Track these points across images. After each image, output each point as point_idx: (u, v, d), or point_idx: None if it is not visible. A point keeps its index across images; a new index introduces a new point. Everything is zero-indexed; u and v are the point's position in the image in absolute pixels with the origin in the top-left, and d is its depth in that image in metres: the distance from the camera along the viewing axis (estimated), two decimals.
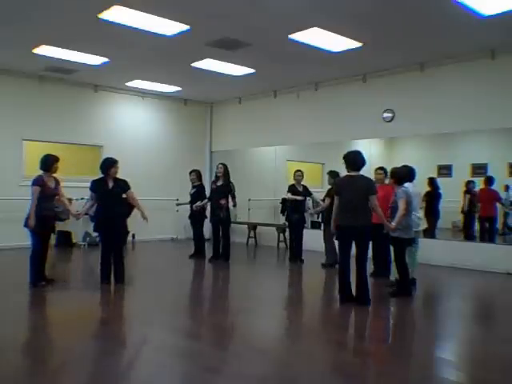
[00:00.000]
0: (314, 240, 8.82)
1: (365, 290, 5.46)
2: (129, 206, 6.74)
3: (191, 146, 12.48)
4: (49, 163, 6.18)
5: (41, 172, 6.18)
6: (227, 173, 8.41)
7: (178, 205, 10.30)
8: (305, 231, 8.68)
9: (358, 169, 5.52)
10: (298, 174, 8.56)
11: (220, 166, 8.47)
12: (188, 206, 8.91)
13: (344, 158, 5.63)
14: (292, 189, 8.51)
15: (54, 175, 6.27)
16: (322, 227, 8.43)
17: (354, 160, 5.54)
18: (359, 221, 5.36)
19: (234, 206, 8.41)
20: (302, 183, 8.55)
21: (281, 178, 11.44)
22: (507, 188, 9.65)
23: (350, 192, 5.43)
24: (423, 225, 7.15)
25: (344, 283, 5.53)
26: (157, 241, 11.46)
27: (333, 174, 7.74)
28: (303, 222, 8.60)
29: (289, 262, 8.66)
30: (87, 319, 4.99)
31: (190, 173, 8.98)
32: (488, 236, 9.07)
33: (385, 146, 10.96)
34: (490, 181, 9.06)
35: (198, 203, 8.59)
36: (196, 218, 8.83)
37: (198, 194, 8.73)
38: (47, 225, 6.19)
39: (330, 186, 7.87)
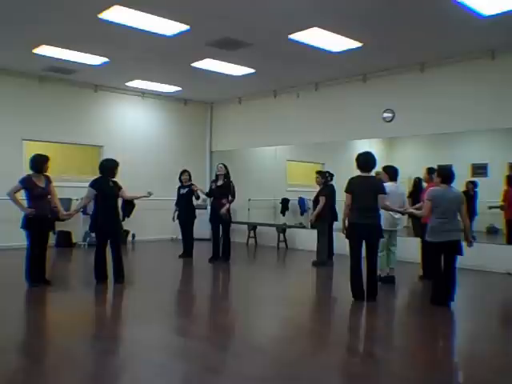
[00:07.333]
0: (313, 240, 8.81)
1: (375, 287, 5.63)
2: (130, 206, 6.77)
3: (191, 145, 12.47)
4: (39, 164, 6.00)
5: (30, 172, 6.02)
6: (227, 172, 8.44)
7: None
8: (305, 231, 8.65)
9: (369, 170, 5.70)
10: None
11: (220, 166, 8.51)
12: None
13: (356, 159, 5.77)
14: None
15: (46, 174, 6.11)
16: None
17: (365, 161, 5.70)
18: (370, 219, 5.55)
19: (229, 202, 8.36)
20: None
21: (281, 177, 11.44)
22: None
23: (362, 192, 5.59)
24: (401, 224, 7.19)
25: (354, 280, 5.62)
26: (157, 241, 11.46)
27: (322, 174, 8.03)
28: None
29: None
30: (87, 319, 4.99)
31: (183, 173, 8.99)
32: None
33: (385, 145, 10.97)
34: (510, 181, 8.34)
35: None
36: (187, 218, 8.83)
37: (191, 192, 8.76)
38: (40, 224, 6.02)
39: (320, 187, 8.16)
